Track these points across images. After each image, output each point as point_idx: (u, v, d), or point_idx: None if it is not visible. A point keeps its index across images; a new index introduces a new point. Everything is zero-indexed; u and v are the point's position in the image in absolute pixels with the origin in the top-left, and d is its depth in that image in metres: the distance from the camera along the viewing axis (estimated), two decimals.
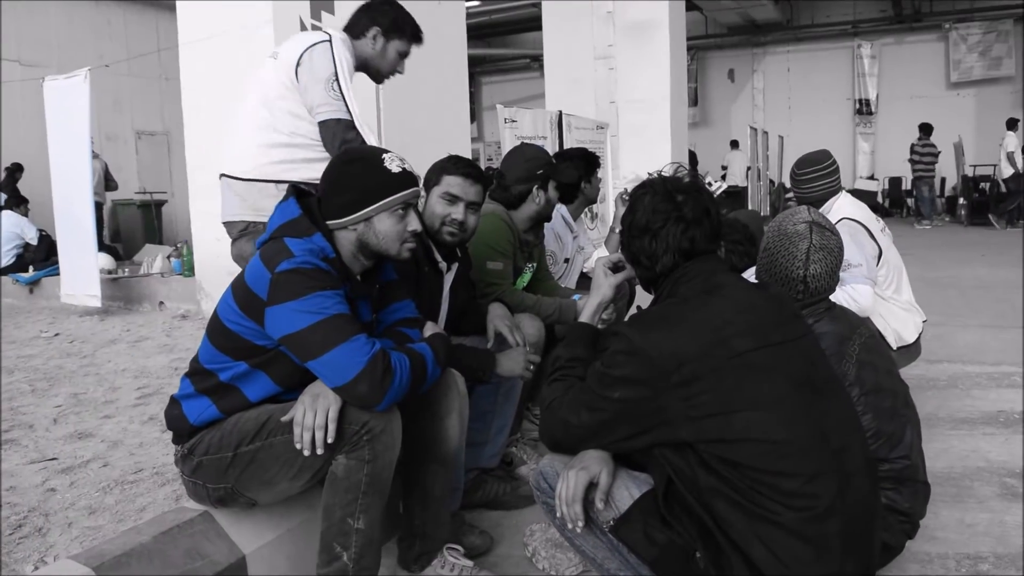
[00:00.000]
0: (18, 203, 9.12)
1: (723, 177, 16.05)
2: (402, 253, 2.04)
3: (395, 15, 2.96)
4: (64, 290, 7.04)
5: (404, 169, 2.01)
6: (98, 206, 10.44)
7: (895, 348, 3.41)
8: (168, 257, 7.99)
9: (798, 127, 17.97)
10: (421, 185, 2.57)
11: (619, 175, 11.03)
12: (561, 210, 3.75)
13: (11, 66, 11.25)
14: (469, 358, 2.38)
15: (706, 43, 18.93)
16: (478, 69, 22.37)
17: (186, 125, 6.42)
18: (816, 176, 3.55)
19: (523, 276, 3.19)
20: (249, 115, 2.96)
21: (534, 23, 14.70)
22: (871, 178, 17.10)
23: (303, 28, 5.75)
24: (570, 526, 1.68)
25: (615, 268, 2.06)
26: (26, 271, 8.46)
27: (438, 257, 2.54)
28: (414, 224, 2.03)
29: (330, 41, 2.80)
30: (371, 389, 1.76)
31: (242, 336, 1.90)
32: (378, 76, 3.08)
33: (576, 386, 1.74)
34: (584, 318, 2.02)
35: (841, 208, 3.48)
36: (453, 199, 2.49)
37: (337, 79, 2.72)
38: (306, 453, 1.78)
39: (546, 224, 3.53)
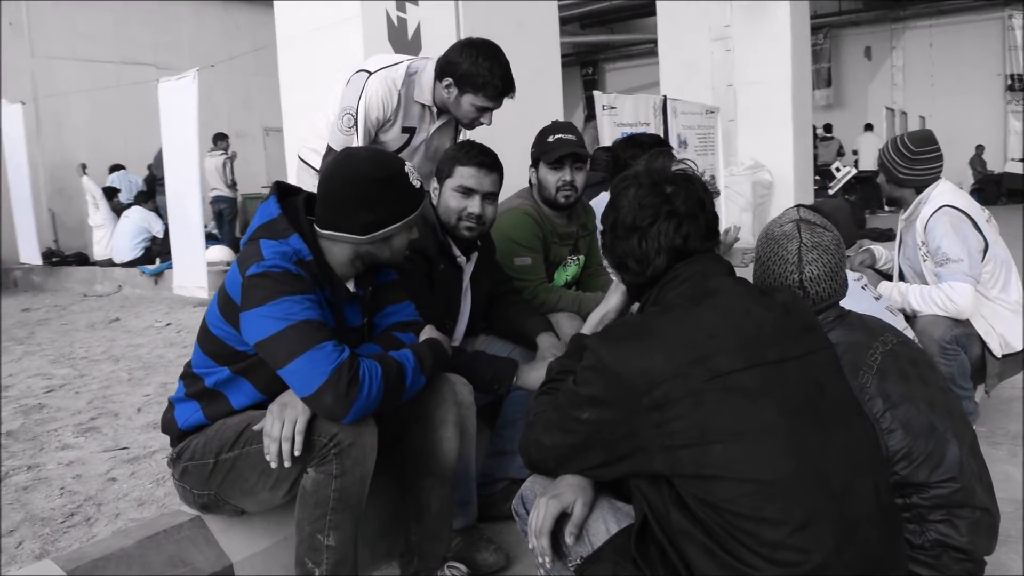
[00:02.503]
0: (146, 199, 9.65)
1: (856, 163, 15.11)
2: (400, 262, 2.02)
3: (468, 68, 2.67)
4: (176, 282, 7.40)
5: (421, 183, 1.95)
6: (229, 201, 10.95)
7: (999, 356, 3.02)
8: None
9: (942, 106, 16.64)
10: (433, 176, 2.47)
11: (736, 161, 10.55)
12: None
13: (147, 69, 11.94)
14: (485, 368, 2.24)
15: (840, 20, 17.84)
16: (600, 56, 22.04)
17: (285, 122, 6.55)
18: (933, 156, 3.15)
19: (566, 269, 3.00)
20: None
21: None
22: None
23: (389, 22, 5.74)
24: (539, 560, 1.52)
25: None
26: (153, 263, 8.97)
27: (456, 252, 2.40)
28: (415, 233, 2.00)
29: (369, 75, 2.77)
30: (336, 401, 1.65)
31: (224, 341, 1.84)
32: (461, 123, 2.95)
33: (554, 403, 1.56)
34: (587, 329, 1.82)
35: (942, 195, 3.09)
36: (468, 192, 2.34)
37: (355, 115, 2.72)
38: (273, 465, 1.70)
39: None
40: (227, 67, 13.08)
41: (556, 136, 2.85)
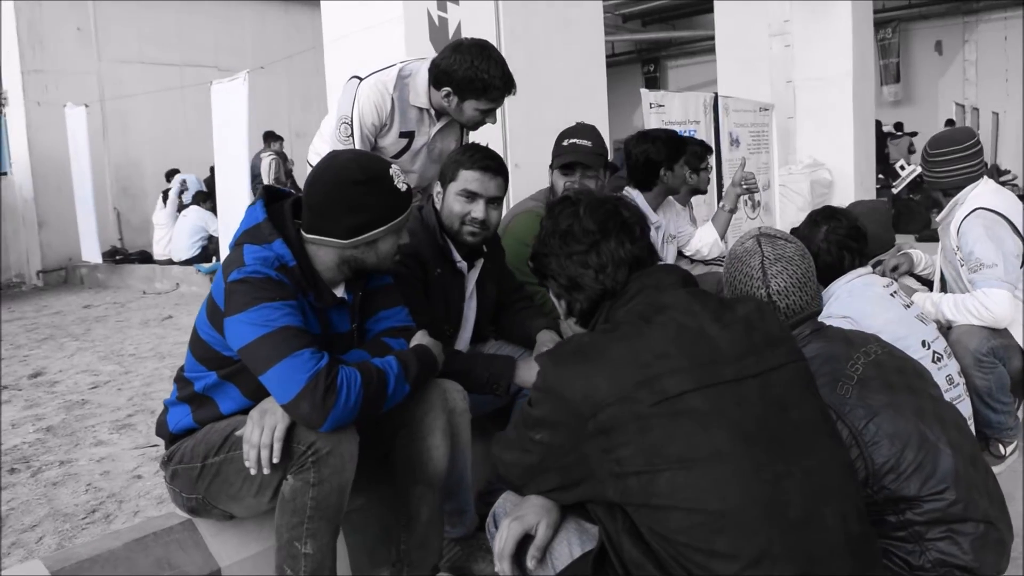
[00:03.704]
0: (204, 199, 9.86)
1: None
2: (391, 268, 1.99)
3: (466, 74, 2.59)
4: None
5: (408, 187, 1.93)
6: None
7: None
8: None
9: (1017, 102, 15.78)
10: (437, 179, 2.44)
11: (795, 159, 10.28)
12: (637, 199, 3.41)
13: (209, 71, 12.21)
14: (482, 370, 2.20)
15: (909, 13, 17.17)
16: (662, 53, 21.76)
17: None
18: (953, 159, 3.02)
19: None
20: None
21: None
22: None
23: (431, 21, 5.74)
24: None
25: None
26: (209, 261, 9.17)
27: (457, 257, 2.36)
28: (405, 238, 1.97)
29: (360, 81, 2.74)
30: (312, 408, 1.64)
31: (212, 346, 1.86)
32: (465, 126, 2.90)
33: (515, 420, 1.52)
34: None
35: (978, 197, 2.94)
36: (472, 196, 2.30)
37: (350, 123, 2.69)
38: (252, 471, 1.70)
39: None
40: (287, 68, 13.34)
41: (571, 140, 2.80)
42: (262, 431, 1.68)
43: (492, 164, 2.32)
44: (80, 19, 11.86)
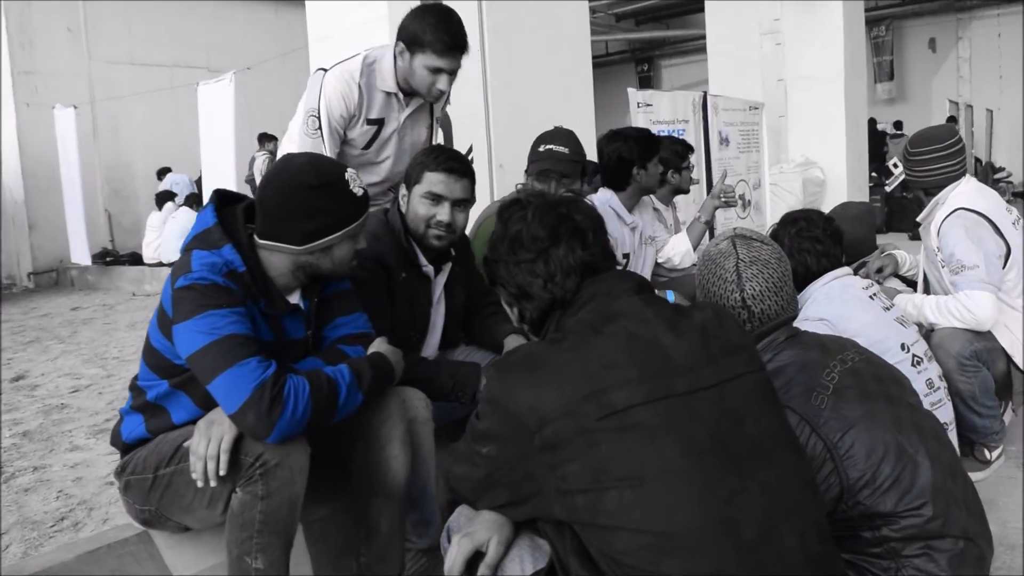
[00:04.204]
0: (198, 202, 9.82)
1: None
2: (348, 273, 1.96)
3: (415, 27, 2.54)
4: None
5: (364, 191, 1.88)
6: None
7: None
8: None
9: (1011, 99, 15.75)
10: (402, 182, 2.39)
11: (787, 158, 10.24)
12: (611, 201, 3.33)
13: (200, 72, 12.15)
14: (446, 377, 2.14)
15: (903, 11, 17.11)
16: (656, 53, 21.72)
17: None
18: (933, 158, 2.98)
19: None
20: None
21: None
22: None
23: None
24: None
25: None
26: None
27: (423, 261, 2.31)
28: (362, 243, 1.93)
29: (325, 72, 2.68)
30: (258, 419, 1.59)
31: (163, 354, 1.80)
32: (422, 94, 2.78)
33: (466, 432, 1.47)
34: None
35: (958, 197, 2.90)
36: (437, 199, 2.25)
37: (318, 116, 2.63)
38: (199, 484, 1.65)
39: None
40: (280, 68, 13.27)
41: (547, 146, 2.75)
42: (208, 442, 1.64)
43: (457, 166, 2.26)
44: (70, 19, 11.80)
